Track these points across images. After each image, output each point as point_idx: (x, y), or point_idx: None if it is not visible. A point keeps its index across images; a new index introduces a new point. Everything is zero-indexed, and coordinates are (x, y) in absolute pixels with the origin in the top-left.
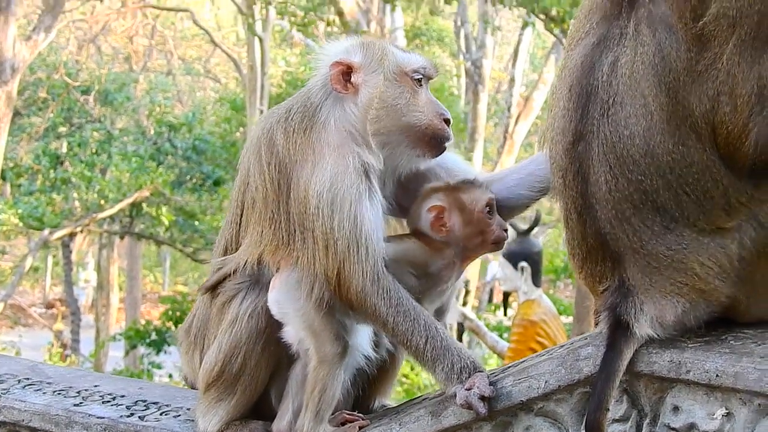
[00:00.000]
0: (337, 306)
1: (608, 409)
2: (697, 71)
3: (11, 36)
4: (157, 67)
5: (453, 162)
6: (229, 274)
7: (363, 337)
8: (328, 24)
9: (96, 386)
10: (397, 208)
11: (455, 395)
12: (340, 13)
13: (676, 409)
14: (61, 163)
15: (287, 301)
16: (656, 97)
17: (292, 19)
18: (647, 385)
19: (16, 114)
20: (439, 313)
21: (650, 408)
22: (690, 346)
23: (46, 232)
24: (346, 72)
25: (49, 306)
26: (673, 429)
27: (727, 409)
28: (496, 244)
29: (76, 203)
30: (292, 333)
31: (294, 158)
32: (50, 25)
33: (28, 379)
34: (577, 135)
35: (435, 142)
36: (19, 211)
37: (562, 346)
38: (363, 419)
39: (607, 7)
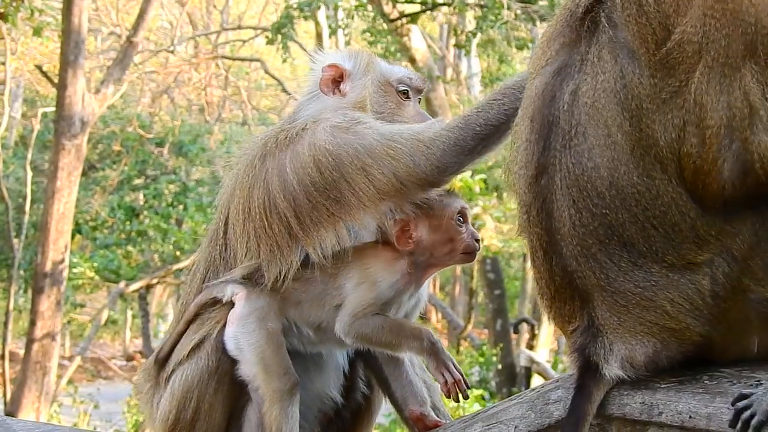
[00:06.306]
0: (303, 336)
1: None
2: (662, 99)
3: (80, 89)
4: (232, 118)
5: None
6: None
7: (327, 378)
8: None
9: None
10: None
11: None
12: (412, 60)
13: None
14: (137, 216)
15: (243, 335)
16: (620, 126)
17: None
18: (620, 428)
19: (91, 167)
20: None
21: None
22: (662, 386)
23: (122, 284)
24: (336, 79)
25: (129, 358)
26: None
27: None
28: (467, 254)
29: (153, 255)
30: (246, 369)
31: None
32: (119, 77)
33: None
34: (540, 168)
35: None
36: (95, 264)
37: (533, 390)
38: None
39: (566, 34)
